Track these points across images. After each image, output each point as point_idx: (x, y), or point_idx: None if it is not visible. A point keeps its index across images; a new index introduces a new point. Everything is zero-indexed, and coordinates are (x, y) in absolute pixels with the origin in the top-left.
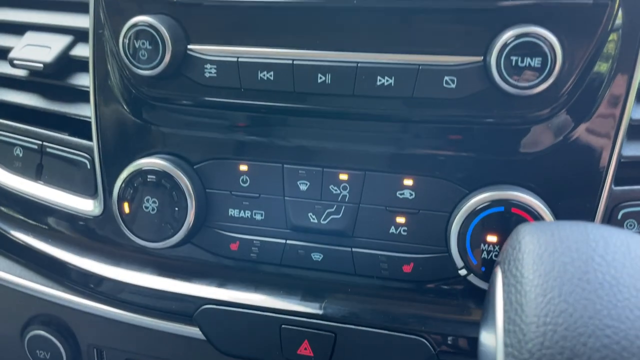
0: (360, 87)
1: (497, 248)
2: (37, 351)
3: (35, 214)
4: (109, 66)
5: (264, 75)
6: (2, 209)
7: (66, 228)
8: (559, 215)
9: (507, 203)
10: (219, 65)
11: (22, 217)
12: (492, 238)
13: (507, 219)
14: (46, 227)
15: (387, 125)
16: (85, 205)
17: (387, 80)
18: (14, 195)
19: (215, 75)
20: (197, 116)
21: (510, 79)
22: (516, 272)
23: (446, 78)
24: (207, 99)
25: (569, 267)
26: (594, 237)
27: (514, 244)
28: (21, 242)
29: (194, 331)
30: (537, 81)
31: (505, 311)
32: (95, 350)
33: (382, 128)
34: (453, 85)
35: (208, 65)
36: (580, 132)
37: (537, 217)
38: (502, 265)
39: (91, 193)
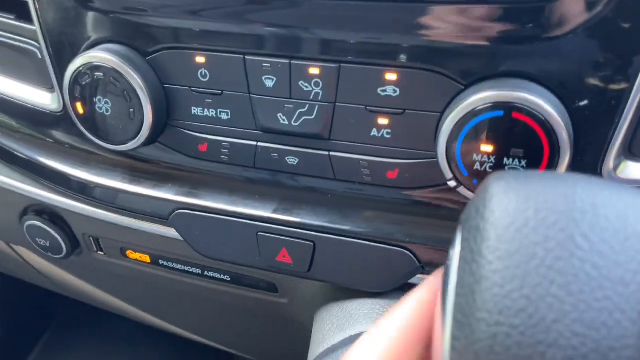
0: None
1: (492, 159)
2: (37, 239)
3: None
4: None
5: None
6: None
7: (29, 124)
8: (578, 124)
9: (507, 106)
10: None
11: None
12: (487, 148)
13: (508, 126)
14: (10, 123)
15: (360, 4)
16: (44, 99)
17: None
18: None
19: None
20: None
21: None
22: (474, 247)
23: None
24: None
25: (539, 250)
26: (582, 205)
27: (479, 205)
28: None
29: (172, 232)
30: None
31: (457, 294)
32: (91, 238)
33: (355, 8)
34: None
35: None
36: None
37: (547, 126)
38: (463, 231)
39: (49, 86)
